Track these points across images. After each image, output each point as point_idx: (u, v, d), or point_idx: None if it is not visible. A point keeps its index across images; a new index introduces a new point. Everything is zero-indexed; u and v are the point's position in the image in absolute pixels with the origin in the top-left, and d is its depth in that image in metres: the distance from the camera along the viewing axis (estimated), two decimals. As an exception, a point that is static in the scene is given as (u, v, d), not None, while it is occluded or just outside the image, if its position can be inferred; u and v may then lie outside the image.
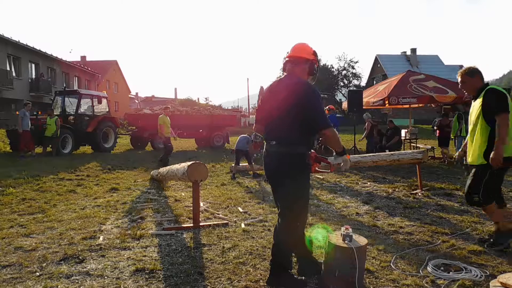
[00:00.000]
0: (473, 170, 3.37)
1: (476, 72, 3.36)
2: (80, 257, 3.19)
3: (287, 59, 2.70)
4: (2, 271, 2.92)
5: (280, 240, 2.62)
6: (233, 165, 8.41)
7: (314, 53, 2.69)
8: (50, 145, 11.92)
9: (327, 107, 10.76)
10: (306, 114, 2.45)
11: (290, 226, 2.60)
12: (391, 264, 3.03)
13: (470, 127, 3.43)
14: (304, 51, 2.67)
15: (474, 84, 3.37)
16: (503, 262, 3.09)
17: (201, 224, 4.14)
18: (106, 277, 2.82)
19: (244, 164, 8.55)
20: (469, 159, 3.40)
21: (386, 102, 9.70)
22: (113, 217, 4.54)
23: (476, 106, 3.33)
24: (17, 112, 22.52)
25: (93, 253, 3.30)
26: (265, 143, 2.69)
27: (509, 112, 3.11)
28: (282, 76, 2.76)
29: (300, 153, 2.53)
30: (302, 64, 2.64)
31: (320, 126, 2.47)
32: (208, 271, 2.92)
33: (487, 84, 3.35)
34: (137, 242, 3.61)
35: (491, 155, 3.11)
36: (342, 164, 2.57)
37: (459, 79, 3.42)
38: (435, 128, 10.64)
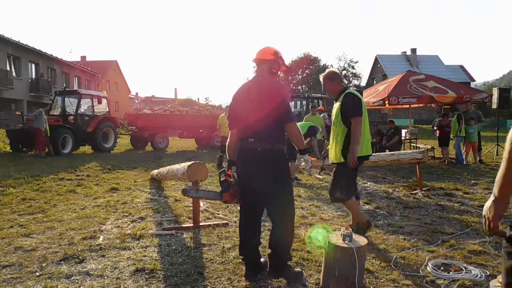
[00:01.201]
0: (334, 168, 3.65)
1: (335, 76, 3.64)
2: (80, 257, 3.19)
3: (254, 61, 2.85)
4: (2, 271, 2.92)
5: (280, 236, 2.70)
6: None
7: (275, 53, 2.79)
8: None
9: (317, 108, 10.87)
10: (274, 108, 2.56)
11: (287, 220, 2.71)
12: (391, 264, 3.03)
13: (332, 127, 3.72)
14: (264, 53, 2.81)
15: (333, 87, 3.65)
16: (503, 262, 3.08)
17: (201, 224, 4.14)
18: (106, 277, 2.82)
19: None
20: (331, 157, 3.67)
21: (386, 102, 9.71)
22: (113, 217, 4.54)
23: (336, 107, 3.62)
24: (17, 112, 22.53)
25: (93, 253, 3.30)
26: (239, 143, 2.75)
27: (361, 115, 3.41)
28: (250, 79, 2.92)
29: (280, 149, 2.66)
30: (263, 64, 2.79)
31: (282, 120, 2.60)
32: (208, 271, 2.92)
33: (347, 87, 3.69)
34: (137, 242, 3.61)
35: (348, 155, 3.42)
36: (303, 163, 2.69)
37: (321, 82, 3.75)
38: (435, 128, 10.64)
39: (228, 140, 2.89)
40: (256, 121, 2.60)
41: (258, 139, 2.62)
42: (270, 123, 2.59)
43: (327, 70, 3.72)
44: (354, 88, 2.98)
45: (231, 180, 2.82)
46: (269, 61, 2.78)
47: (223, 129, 9.72)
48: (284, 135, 2.68)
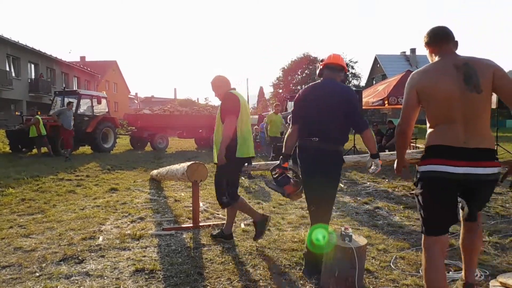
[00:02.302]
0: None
1: (222, 80, 3.68)
2: (80, 258, 3.19)
3: (322, 66, 2.95)
4: (2, 271, 2.92)
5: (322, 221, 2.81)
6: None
7: (346, 64, 3.06)
8: (36, 146, 11.77)
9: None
10: (349, 116, 2.71)
11: (325, 214, 2.87)
12: (391, 264, 3.03)
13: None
14: (340, 60, 2.97)
15: (218, 88, 3.65)
16: (503, 261, 3.09)
17: (200, 224, 4.14)
18: (105, 278, 2.81)
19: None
20: (214, 159, 3.61)
21: (386, 102, 9.72)
22: (113, 217, 4.54)
23: (219, 109, 3.67)
24: (16, 112, 22.51)
25: (92, 254, 3.30)
26: (301, 140, 2.88)
27: (236, 115, 3.38)
28: (320, 81, 2.94)
29: (339, 151, 2.83)
30: (339, 71, 2.92)
31: (360, 127, 2.75)
32: (208, 271, 2.92)
33: (232, 89, 3.65)
34: (137, 242, 3.61)
35: (217, 155, 3.40)
36: (373, 166, 2.73)
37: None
38: None
39: (287, 134, 2.98)
40: (323, 122, 2.75)
41: (323, 139, 2.74)
42: (338, 125, 2.74)
43: (214, 76, 3.72)
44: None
45: (289, 173, 3.01)
46: (344, 70, 2.96)
47: (273, 128, 9.50)
48: (347, 138, 2.86)
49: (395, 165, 2.41)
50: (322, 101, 2.78)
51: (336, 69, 2.91)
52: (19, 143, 12.42)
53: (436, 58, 2.19)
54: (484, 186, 2.05)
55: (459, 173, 1.98)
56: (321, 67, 2.96)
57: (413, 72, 2.26)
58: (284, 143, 3.00)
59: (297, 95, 3.01)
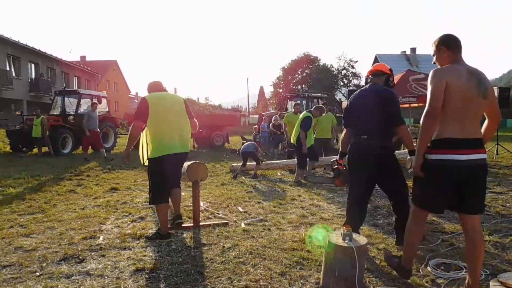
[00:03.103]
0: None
1: (149, 85, 4.02)
2: (80, 257, 3.19)
3: (368, 74, 3.52)
4: (2, 271, 2.92)
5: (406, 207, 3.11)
6: (233, 164, 8.54)
7: (390, 70, 3.50)
8: (37, 146, 11.73)
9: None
10: (389, 113, 3.13)
11: (405, 193, 3.34)
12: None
13: None
14: (383, 67, 3.50)
15: (147, 93, 3.94)
16: (503, 261, 3.09)
17: (201, 223, 4.14)
18: (106, 277, 2.82)
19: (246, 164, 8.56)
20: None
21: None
22: (113, 217, 4.54)
23: None
24: (16, 112, 22.50)
25: (93, 253, 3.30)
26: (353, 139, 3.33)
27: (139, 119, 3.63)
28: (366, 86, 3.44)
29: (385, 145, 3.26)
30: (380, 76, 3.43)
31: (397, 122, 3.15)
32: (208, 271, 2.92)
33: (161, 90, 3.99)
34: (137, 242, 3.61)
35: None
36: (411, 163, 2.75)
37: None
38: None
39: (342, 136, 3.47)
40: (369, 121, 3.18)
41: (370, 136, 3.19)
42: (382, 122, 3.13)
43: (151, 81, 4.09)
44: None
45: (342, 168, 3.53)
46: (387, 74, 3.45)
47: (291, 129, 9.18)
48: (391, 132, 3.28)
49: (414, 163, 2.50)
50: (367, 103, 3.26)
51: (378, 74, 3.43)
52: (20, 143, 12.43)
53: (450, 62, 2.46)
54: (482, 171, 2.42)
55: (468, 159, 2.33)
56: (367, 75, 3.51)
57: (437, 68, 2.47)
58: (340, 143, 3.55)
59: (348, 102, 3.56)
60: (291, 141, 7.32)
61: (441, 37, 2.52)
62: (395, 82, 10.33)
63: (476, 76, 2.35)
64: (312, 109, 7.34)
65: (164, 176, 3.67)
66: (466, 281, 2.47)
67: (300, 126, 6.88)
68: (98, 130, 11.10)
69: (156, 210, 3.77)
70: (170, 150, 3.63)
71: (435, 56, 2.57)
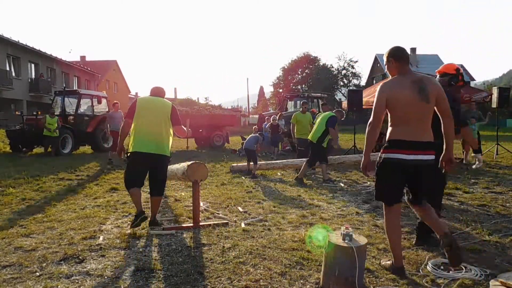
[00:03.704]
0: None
1: (151, 89, 4.35)
2: (80, 257, 3.19)
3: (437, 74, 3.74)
4: (2, 271, 2.92)
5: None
6: (233, 165, 8.56)
7: (457, 69, 3.65)
8: (52, 145, 11.72)
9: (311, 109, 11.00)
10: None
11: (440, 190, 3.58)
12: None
13: None
14: (446, 68, 3.71)
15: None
16: (503, 261, 3.09)
17: (201, 223, 4.14)
18: (106, 277, 2.82)
19: (245, 163, 8.57)
20: None
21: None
22: (113, 217, 4.54)
23: None
24: (16, 112, 22.49)
25: (93, 253, 3.30)
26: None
27: (127, 117, 4.06)
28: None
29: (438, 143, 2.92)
30: (444, 76, 3.64)
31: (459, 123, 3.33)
32: (208, 271, 2.92)
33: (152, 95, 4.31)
34: (137, 242, 3.61)
35: None
36: (477, 162, 2.94)
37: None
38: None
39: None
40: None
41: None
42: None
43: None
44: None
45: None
46: (450, 75, 3.59)
47: (300, 128, 8.96)
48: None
49: (361, 162, 2.91)
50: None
51: (442, 75, 3.66)
52: (20, 143, 12.43)
53: (398, 73, 2.83)
54: (427, 168, 2.77)
55: (412, 159, 2.71)
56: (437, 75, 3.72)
57: (383, 83, 2.88)
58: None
59: None
60: (309, 137, 7.33)
61: (391, 50, 2.87)
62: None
63: (418, 84, 2.71)
64: (334, 111, 7.57)
65: (135, 168, 4.04)
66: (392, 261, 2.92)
67: (326, 124, 6.93)
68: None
69: (129, 194, 4.13)
70: (143, 149, 3.95)
71: (386, 66, 2.93)
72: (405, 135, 2.72)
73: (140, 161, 3.98)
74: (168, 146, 4.12)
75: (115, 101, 11.28)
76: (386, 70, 2.97)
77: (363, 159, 2.88)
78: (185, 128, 4.29)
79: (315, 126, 7.24)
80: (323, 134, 6.96)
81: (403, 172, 2.76)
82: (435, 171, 2.85)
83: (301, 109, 9.65)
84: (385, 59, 2.91)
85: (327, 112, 7.43)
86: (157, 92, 4.33)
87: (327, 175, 7.25)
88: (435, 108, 2.76)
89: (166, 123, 4.09)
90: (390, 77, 2.90)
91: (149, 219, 4.10)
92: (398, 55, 2.83)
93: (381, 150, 2.83)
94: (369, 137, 2.82)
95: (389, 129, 2.81)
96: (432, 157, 2.76)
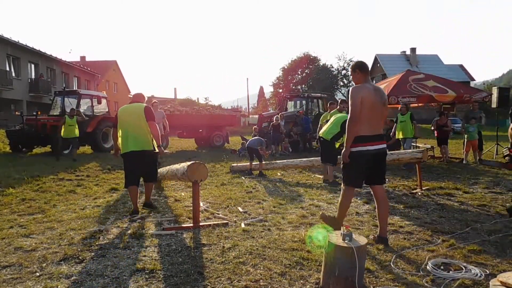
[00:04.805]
0: None
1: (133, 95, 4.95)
2: (80, 257, 3.19)
3: None
4: (2, 271, 2.92)
5: None
6: (233, 165, 8.56)
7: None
8: (73, 146, 11.34)
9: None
10: None
11: None
12: (391, 264, 3.03)
13: None
14: None
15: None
16: (503, 261, 3.09)
17: (201, 224, 4.14)
18: (106, 277, 2.82)
19: (245, 164, 8.57)
20: None
21: (386, 101, 9.70)
22: (113, 217, 4.54)
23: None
24: (16, 112, 22.47)
25: (93, 253, 3.30)
26: None
27: (114, 123, 4.88)
28: None
29: None
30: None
31: None
32: (208, 271, 2.92)
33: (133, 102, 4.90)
34: (137, 242, 3.61)
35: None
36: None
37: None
38: (432, 128, 10.61)
39: (510, 129, 3.86)
40: None
41: None
42: None
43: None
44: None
45: None
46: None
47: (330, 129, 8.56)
48: None
49: (343, 153, 3.48)
50: None
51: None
52: (20, 143, 12.41)
53: (363, 82, 3.50)
54: (384, 156, 3.56)
55: (374, 149, 3.40)
56: None
57: (355, 87, 3.47)
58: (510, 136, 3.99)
59: None
60: (320, 134, 7.02)
61: (357, 63, 3.66)
62: (395, 82, 10.40)
63: (379, 91, 3.48)
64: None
65: (127, 166, 4.75)
66: (377, 234, 3.59)
67: (341, 126, 6.52)
68: (164, 132, 9.39)
69: (128, 191, 4.76)
70: (127, 149, 4.64)
71: (352, 76, 3.66)
72: (369, 130, 3.39)
73: (129, 160, 4.67)
74: (148, 141, 4.69)
75: (154, 101, 10.08)
76: (352, 79, 3.67)
77: (344, 149, 3.47)
78: (157, 125, 4.81)
79: (329, 124, 7.01)
80: (338, 134, 6.69)
81: (368, 162, 3.41)
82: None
83: (328, 110, 9.19)
84: (351, 71, 3.64)
85: (343, 114, 7.05)
86: (135, 98, 4.99)
87: (332, 177, 6.99)
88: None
89: (144, 122, 4.66)
90: (355, 85, 3.54)
91: (149, 220, 4.11)
92: (363, 67, 3.57)
93: (351, 145, 3.43)
94: (351, 131, 3.40)
95: (358, 126, 3.39)
96: (385, 145, 3.54)
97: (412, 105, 10.78)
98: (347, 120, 3.40)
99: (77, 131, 10.98)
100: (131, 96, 5.24)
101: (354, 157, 3.42)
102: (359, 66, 3.57)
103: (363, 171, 3.46)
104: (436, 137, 10.56)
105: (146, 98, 5.34)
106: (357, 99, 3.34)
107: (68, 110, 13.59)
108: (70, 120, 10.91)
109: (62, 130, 10.77)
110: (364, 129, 3.38)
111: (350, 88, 3.48)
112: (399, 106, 9.38)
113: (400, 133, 9.24)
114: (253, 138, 8.58)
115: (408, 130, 9.03)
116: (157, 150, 4.79)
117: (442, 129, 10.20)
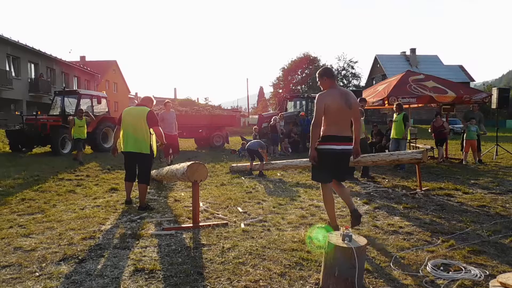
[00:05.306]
0: None
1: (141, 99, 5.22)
2: (80, 257, 3.19)
3: None
4: (1, 271, 2.92)
5: None
6: (233, 165, 8.56)
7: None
8: (82, 148, 11.05)
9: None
10: None
11: None
12: (391, 264, 3.03)
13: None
14: None
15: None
16: (502, 262, 3.09)
17: (200, 224, 4.14)
18: (105, 277, 2.81)
19: (245, 164, 8.56)
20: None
21: (386, 102, 9.69)
22: (113, 217, 4.54)
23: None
24: (16, 112, 22.47)
25: (92, 253, 3.30)
26: None
27: (117, 124, 5.16)
28: None
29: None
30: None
31: None
32: (208, 271, 2.92)
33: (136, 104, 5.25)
34: (137, 242, 3.61)
35: None
36: None
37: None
38: (429, 131, 10.61)
39: None
40: None
41: None
42: None
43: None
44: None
45: None
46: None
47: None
48: None
49: (309, 153, 3.78)
50: None
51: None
52: (19, 143, 12.41)
53: (329, 87, 3.77)
54: (347, 156, 3.83)
55: (340, 148, 3.68)
56: None
57: (320, 94, 3.74)
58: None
59: None
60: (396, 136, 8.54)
61: (324, 69, 3.90)
62: (395, 82, 10.39)
63: (344, 95, 3.72)
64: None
65: (125, 164, 5.16)
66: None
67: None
68: (176, 132, 9.04)
69: (124, 184, 5.25)
70: (126, 149, 4.99)
71: (319, 82, 3.88)
72: (335, 131, 3.67)
73: (127, 158, 5.08)
74: (146, 145, 4.94)
75: (167, 101, 9.80)
76: (319, 84, 3.89)
77: (310, 151, 3.76)
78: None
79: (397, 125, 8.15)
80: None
81: (332, 159, 3.68)
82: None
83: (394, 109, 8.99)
84: (318, 77, 3.88)
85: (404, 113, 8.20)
86: (143, 101, 5.26)
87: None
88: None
89: (144, 126, 4.91)
90: (323, 90, 3.79)
91: (150, 220, 4.12)
92: (330, 74, 3.83)
93: (317, 143, 3.70)
94: (314, 134, 3.70)
95: (323, 127, 3.70)
96: (351, 147, 3.80)
97: (412, 105, 10.78)
98: (311, 124, 3.69)
99: (83, 132, 10.78)
100: (131, 96, 5.32)
101: (321, 154, 3.68)
102: (327, 73, 3.84)
103: (328, 167, 3.70)
104: (434, 138, 10.57)
105: (154, 102, 5.38)
106: (321, 106, 3.64)
107: (68, 110, 13.62)
108: (80, 121, 10.70)
109: (72, 131, 10.59)
110: (332, 130, 3.67)
111: (317, 95, 3.76)
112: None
113: (393, 132, 9.22)
114: (254, 140, 8.58)
115: (399, 131, 8.93)
116: (155, 152, 5.23)
117: (439, 131, 10.18)
